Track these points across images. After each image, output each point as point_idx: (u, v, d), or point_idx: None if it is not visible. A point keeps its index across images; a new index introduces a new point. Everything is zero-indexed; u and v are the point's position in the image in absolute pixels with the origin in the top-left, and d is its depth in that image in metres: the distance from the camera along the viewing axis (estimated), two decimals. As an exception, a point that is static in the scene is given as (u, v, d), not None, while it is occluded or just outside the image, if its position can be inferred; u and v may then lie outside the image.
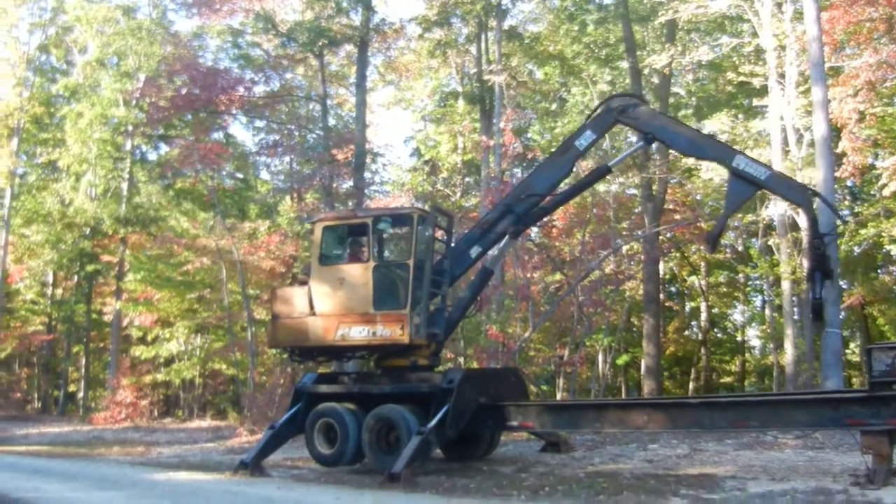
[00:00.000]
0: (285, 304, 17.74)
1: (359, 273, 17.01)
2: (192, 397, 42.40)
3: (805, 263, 19.47)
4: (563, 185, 18.31)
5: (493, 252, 18.62)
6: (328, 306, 17.04)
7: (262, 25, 35.71)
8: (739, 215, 30.92)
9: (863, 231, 30.20)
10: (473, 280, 18.95)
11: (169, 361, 40.20)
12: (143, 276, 39.49)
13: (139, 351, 39.48)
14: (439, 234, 18.04)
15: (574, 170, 18.66)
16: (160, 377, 39.63)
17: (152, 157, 47.37)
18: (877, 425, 12.31)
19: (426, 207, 18.85)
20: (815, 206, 16.38)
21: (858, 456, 12.99)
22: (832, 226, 18.11)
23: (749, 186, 15.87)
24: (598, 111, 17.61)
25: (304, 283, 17.94)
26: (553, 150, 22.51)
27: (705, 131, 35.30)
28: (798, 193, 16.23)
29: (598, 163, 25.79)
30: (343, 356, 18.87)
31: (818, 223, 15.86)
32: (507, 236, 17.80)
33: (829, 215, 17.67)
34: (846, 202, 35.30)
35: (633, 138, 29.13)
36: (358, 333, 16.63)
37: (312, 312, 17.14)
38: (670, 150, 29.53)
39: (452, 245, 18.18)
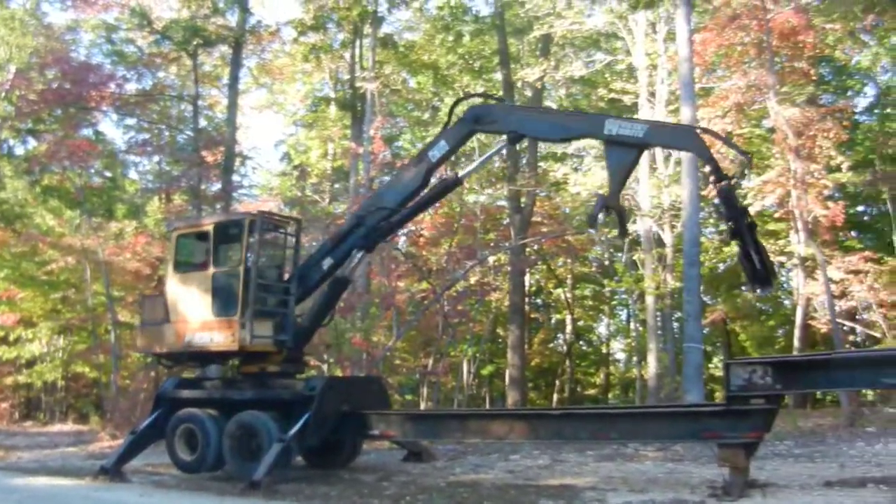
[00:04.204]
0: (148, 311, 18.34)
1: (201, 280, 17.25)
2: (54, 400, 41.44)
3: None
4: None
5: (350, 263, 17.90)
6: (179, 313, 17.32)
7: (138, 21, 35.13)
8: (606, 230, 31.31)
9: (726, 249, 31.13)
10: (324, 289, 18.23)
11: (31, 363, 39.21)
12: (5, 274, 38.53)
13: (0, 351, 38.58)
14: (275, 238, 18.35)
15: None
16: (21, 379, 38.73)
17: (20, 151, 46.24)
18: (733, 438, 12.54)
19: (260, 212, 18.49)
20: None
21: (717, 468, 13.19)
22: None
23: (630, 150, 14.10)
24: (455, 122, 16.64)
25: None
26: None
27: (575, 145, 36.24)
28: (686, 138, 14.89)
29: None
30: (204, 362, 18.68)
31: (718, 165, 14.09)
32: (359, 249, 17.30)
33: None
34: (712, 220, 36.14)
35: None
36: (199, 339, 16.87)
37: (167, 319, 17.39)
38: (539, 164, 29.93)
39: (307, 254, 18.26)
